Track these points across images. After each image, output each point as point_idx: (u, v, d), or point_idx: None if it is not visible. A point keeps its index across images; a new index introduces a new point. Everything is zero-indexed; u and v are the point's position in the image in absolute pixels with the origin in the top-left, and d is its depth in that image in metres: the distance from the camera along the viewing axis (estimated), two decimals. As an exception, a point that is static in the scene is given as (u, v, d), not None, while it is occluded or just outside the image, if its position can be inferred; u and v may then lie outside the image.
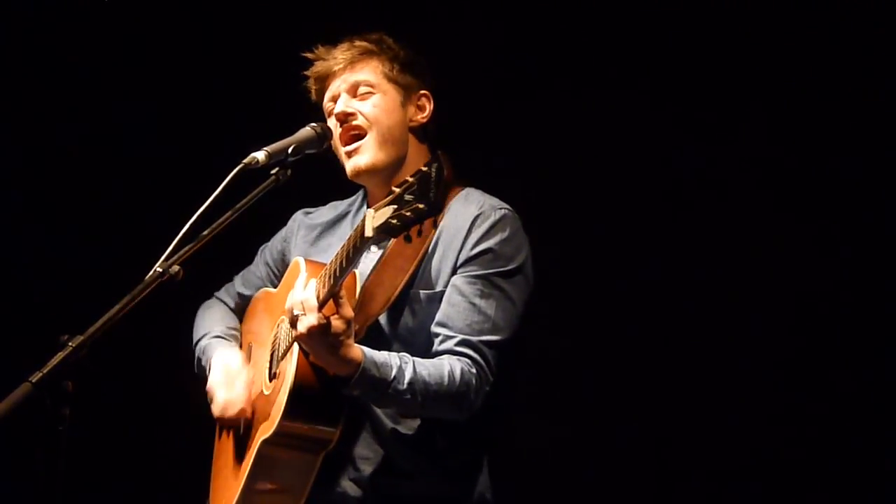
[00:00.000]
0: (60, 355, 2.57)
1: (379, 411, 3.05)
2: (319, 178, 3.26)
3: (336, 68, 3.21)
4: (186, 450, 3.56)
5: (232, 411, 3.20)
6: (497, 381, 3.03)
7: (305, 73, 3.30)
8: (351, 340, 2.88)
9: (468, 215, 3.10)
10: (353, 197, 3.39)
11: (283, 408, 2.96)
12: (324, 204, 3.48)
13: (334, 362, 2.88)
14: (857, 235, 4.03)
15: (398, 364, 2.93)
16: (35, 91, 4.66)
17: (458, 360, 2.98)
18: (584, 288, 4.26)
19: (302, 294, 2.87)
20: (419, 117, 3.23)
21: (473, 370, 2.98)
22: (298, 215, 3.48)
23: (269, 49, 4.42)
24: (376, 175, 3.19)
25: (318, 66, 3.26)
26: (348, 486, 3.07)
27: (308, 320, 2.84)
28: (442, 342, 3.03)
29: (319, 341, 2.85)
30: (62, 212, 4.69)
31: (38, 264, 4.65)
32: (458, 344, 3.00)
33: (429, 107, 3.24)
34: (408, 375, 2.92)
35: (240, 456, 3.18)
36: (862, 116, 4.01)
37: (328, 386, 2.95)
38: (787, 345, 4.10)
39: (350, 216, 3.35)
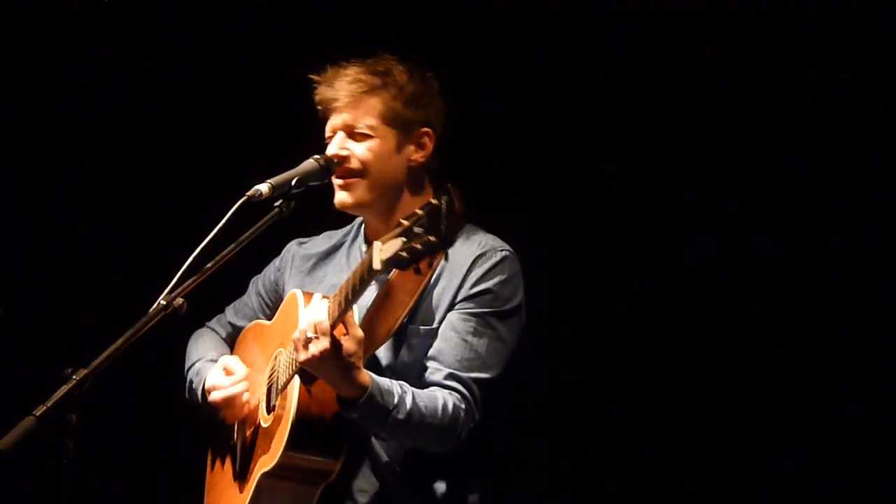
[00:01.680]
0: (64, 389, 2.58)
1: (377, 446, 3.07)
2: (314, 209, 3.26)
3: (337, 105, 3.16)
4: (190, 482, 3.55)
5: (237, 400, 3.19)
6: (488, 418, 3.05)
7: (312, 84, 3.22)
8: (361, 363, 2.89)
9: (469, 254, 3.10)
10: (349, 227, 3.37)
11: (285, 440, 2.97)
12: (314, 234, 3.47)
13: (344, 385, 2.89)
14: (862, 245, 4.05)
15: (399, 393, 2.95)
16: (37, 122, 4.68)
17: (450, 393, 3.00)
18: (585, 294, 4.28)
19: (314, 317, 2.87)
20: (417, 156, 3.17)
21: (462, 405, 3.00)
22: (292, 245, 3.45)
23: (273, 81, 4.43)
24: (364, 210, 3.19)
25: (323, 94, 3.19)
26: (345, 518, 3.09)
27: (321, 344, 2.85)
28: (432, 374, 3.04)
29: (331, 364, 2.86)
30: (64, 244, 4.69)
31: (42, 297, 4.65)
32: (447, 377, 3.02)
33: (430, 145, 3.18)
34: (408, 405, 2.93)
35: (236, 489, 3.18)
36: (864, 124, 4.04)
37: (331, 418, 2.96)
38: (789, 350, 4.11)
39: (345, 246, 3.33)
